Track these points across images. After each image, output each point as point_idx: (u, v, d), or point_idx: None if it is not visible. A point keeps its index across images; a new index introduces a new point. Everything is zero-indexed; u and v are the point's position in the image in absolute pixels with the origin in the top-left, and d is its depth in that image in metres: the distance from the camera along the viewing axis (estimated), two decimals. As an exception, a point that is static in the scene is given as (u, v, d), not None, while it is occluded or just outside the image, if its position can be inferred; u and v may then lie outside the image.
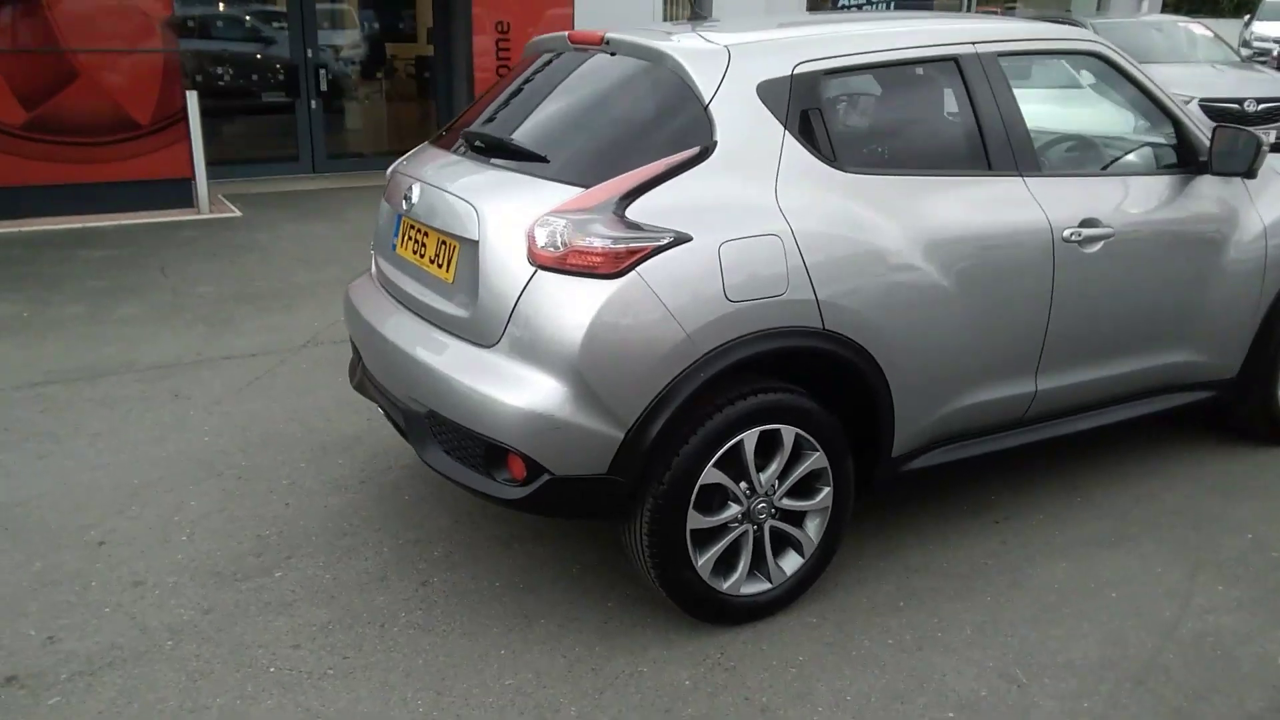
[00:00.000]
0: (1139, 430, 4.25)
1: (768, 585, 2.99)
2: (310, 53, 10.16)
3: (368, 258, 3.74)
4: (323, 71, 10.19)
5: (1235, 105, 9.60)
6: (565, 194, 2.76)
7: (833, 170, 2.91)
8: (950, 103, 3.22)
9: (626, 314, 2.61)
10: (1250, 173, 3.52)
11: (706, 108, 2.83)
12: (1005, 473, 3.90)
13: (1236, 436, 4.21)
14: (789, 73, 2.93)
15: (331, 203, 9.13)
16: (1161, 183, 3.57)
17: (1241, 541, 3.48)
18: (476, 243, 2.83)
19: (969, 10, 15.00)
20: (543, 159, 2.93)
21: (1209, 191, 3.65)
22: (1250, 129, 3.49)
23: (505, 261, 2.76)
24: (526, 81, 3.40)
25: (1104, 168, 3.65)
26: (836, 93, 3.01)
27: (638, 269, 2.61)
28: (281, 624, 3.03)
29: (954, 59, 3.21)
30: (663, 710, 2.65)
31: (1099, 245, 3.33)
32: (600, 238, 2.61)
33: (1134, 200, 3.47)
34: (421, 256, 3.15)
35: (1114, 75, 3.59)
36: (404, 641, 2.94)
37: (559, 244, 2.65)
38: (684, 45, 2.96)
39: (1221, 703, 2.68)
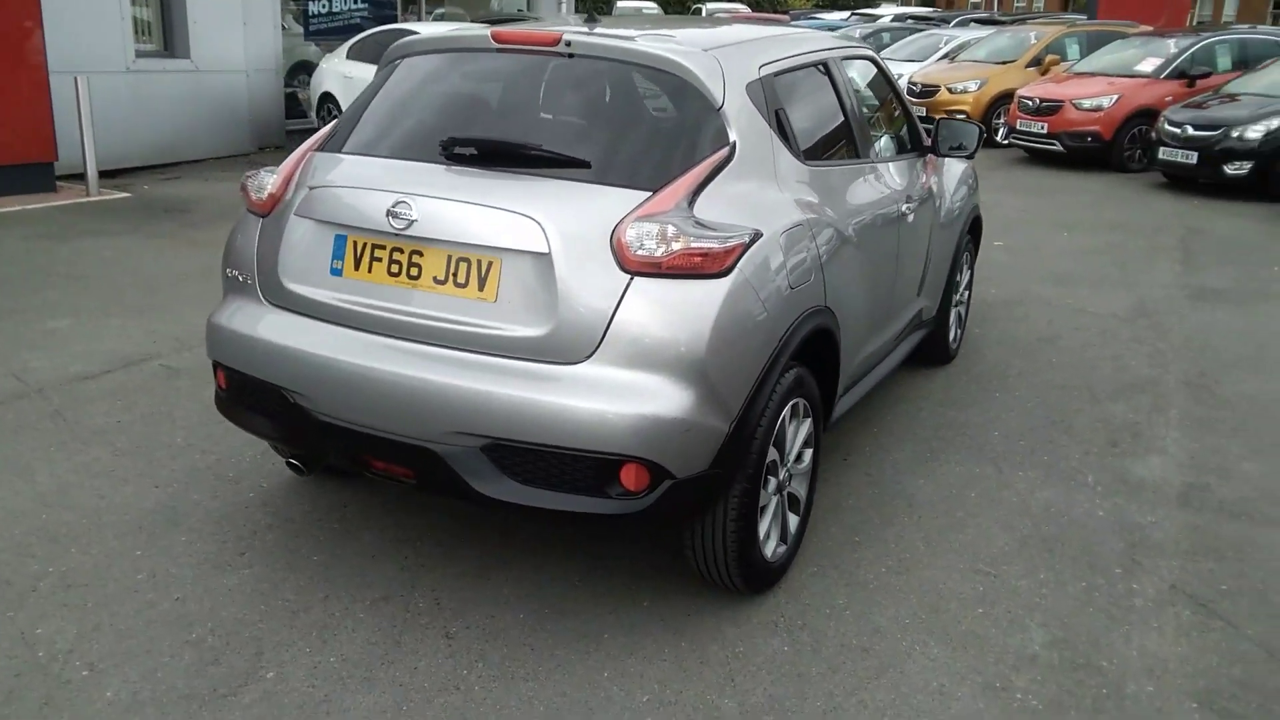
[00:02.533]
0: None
1: (784, 546, 3.26)
2: None
3: None
4: None
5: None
6: (633, 198, 2.73)
7: (799, 163, 3.24)
8: (833, 99, 3.70)
9: (738, 309, 2.71)
10: (972, 155, 4.53)
11: (720, 110, 2.97)
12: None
13: (918, 363, 5.31)
14: (758, 75, 3.17)
15: None
16: (916, 163, 4.44)
17: (994, 438, 4.50)
18: (543, 255, 2.66)
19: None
20: (584, 164, 2.82)
21: (929, 169, 4.61)
22: (970, 120, 4.49)
23: (588, 272, 2.65)
24: (461, 84, 3.15)
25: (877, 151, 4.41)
26: (783, 92, 3.30)
27: (738, 265, 2.71)
28: (344, 723, 2.57)
29: (825, 63, 3.69)
30: (795, 676, 2.82)
31: (911, 216, 4.07)
32: (707, 238, 2.65)
33: (912, 178, 4.28)
34: (414, 278, 2.81)
35: (877, 75, 4.36)
36: (502, 692, 2.69)
37: (660, 248, 2.62)
38: (677, 48, 3.03)
39: (1108, 547, 3.55)
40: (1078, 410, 4.83)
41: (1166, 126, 11.22)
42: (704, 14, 26.32)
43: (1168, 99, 12.25)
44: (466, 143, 2.93)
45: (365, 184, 2.94)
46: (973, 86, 14.23)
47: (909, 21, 22.07)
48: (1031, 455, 4.32)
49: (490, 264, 2.73)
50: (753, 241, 2.77)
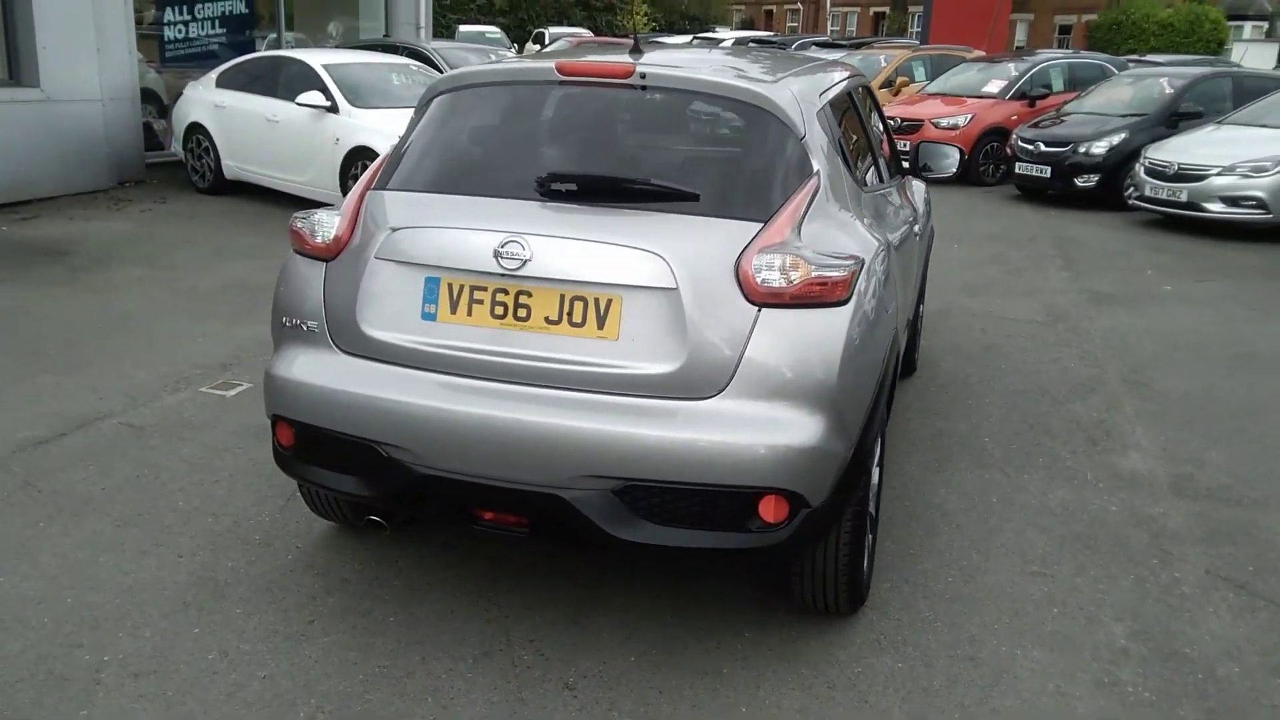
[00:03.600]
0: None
1: (869, 564, 3.31)
2: None
3: None
4: None
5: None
6: (747, 229, 2.74)
7: (859, 189, 3.32)
8: (861, 125, 3.80)
9: (858, 334, 2.75)
10: (953, 174, 4.74)
11: (804, 139, 3.01)
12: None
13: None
14: (820, 104, 3.23)
15: None
16: (905, 184, 4.61)
17: (987, 443, 4.68)
18: (671, 291, 2.63)
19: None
20: (694, 196, 2.79)
21: (905, 189, 4.80)
22: (949, 144, 4.71)
23: (716, 306, 2.64)
24: (527, 118, 3.08)
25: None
26: (837, 120, 3.37)
27: (854, 291, 2.75)
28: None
29: (851, 91, 3.80)
30: (922, 691, 2.87)
31: (919, 235, 4.23)
32: (826, 267, 2.68)
33: (909, 198, 4.45)
34: (521, 319, 2.72)
35: (868, 100, 4.50)
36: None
37: (783, 279, 2.64)
38: (752, 79, 3.06)
39: (1135, 539, 3.75)
40: (1046, 412, 5.11)
41: (1020, 143, 12.02)
42: (547, 39, 26.40)
43: (1013, 118, 13.14)
44: (567, 178, 2.85)
45: (461, 224, 2.82)
46: (832, 107, 14.82)
47: (751, 45, 22.77)
48: (1028, 458, 4.54)
49: (610, 302, 2.68)
50: (860, 268, 2.83)
